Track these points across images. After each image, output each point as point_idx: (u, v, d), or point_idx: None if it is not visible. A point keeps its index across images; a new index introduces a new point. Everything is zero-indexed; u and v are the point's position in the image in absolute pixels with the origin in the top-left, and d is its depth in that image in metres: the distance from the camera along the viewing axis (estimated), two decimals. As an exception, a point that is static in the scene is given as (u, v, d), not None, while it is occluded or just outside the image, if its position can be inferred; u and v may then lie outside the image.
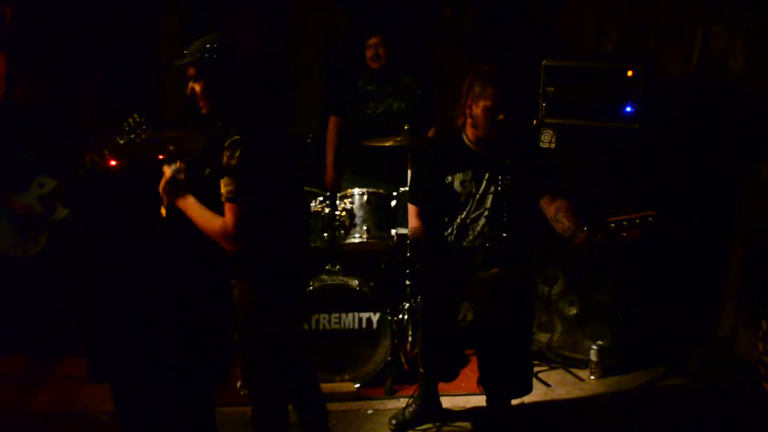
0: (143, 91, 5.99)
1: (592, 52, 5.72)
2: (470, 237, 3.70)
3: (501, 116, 3.55)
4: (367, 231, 4.59)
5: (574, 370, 4.84)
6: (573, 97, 4.73)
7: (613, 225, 3.29)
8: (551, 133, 4.79)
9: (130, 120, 4.66)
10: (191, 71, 3.15)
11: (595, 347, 4.74)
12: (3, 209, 4.64)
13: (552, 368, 4.88)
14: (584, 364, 4.82)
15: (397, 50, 5.12)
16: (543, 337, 4.92)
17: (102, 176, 4.86)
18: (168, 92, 6.11)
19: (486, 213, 3.67)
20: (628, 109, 4.63)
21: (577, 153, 4.72)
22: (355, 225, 4.60)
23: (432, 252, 3.78)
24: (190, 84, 3.18)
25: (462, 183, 3.68)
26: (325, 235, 4.57)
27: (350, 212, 4.59)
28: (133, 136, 4.64)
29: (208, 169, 4.74)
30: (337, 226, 4.56)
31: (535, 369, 4.63)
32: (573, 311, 4.88)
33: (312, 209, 4.56)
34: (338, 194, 4.63)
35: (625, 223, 3.27)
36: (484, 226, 3.67)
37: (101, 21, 5.85)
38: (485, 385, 3.95)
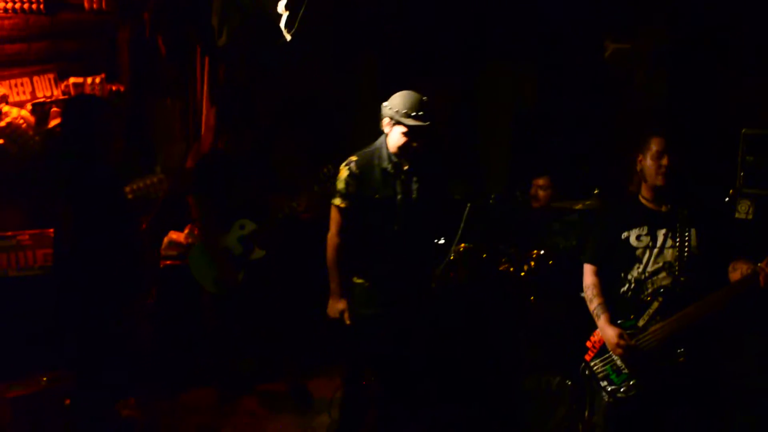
0: (337, 146, 6.28)
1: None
2: (649, 290, 3.62)
3: (665, 161, 3.58)
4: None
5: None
6: (776, 167, 4.56)
7: None
8: (749, 203, 4.60)
9: (325, 170, 4.92)
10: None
11: None
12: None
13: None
14: None
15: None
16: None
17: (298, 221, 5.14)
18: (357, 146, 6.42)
19: (667, 266, 3.61)
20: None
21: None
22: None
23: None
24: (413, 143, 3.82)
25: (638, 237, 3.65)
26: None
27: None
28: (327, 184, 4.89)
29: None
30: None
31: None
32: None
33: (499, 268, 4.60)
34: (525, 254, 4.65)
35: None
36: (663, 279, 3.60)
37: (307, 82, 6.28)
38: None
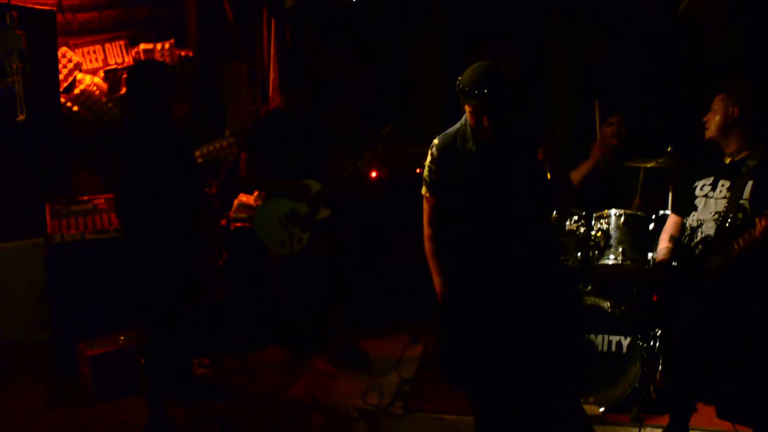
0: (399, 112, 6.24)
1: None
2: (697, 238, 3.70)
3: (709, 116, 3.74)
4: (623, 253, 4.45)
5: None
6: None
7: None
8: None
9: (387, 128, 4.94)
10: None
11: None
12: (275, 210, 4.99)
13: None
14: None
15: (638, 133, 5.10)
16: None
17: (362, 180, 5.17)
18: (421, 113, 6.40)
19: (716, 216, 3.64)
20: None
21: None
22: (610, 246, 4.48)
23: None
24: (484, 122, 3.39)
25: (702, 187, 3.76)
26: (579, 254, 4.51)
27: (606, 233, 4.49)
28: (390, 142, 4.92)
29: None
30: (591, 246, 4.48)
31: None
32: None
33: (567, 228, 4.53)
34: (595, 214, 4.56)
35: None
36: (711, 228, 3.65)
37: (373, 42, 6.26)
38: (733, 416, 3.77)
